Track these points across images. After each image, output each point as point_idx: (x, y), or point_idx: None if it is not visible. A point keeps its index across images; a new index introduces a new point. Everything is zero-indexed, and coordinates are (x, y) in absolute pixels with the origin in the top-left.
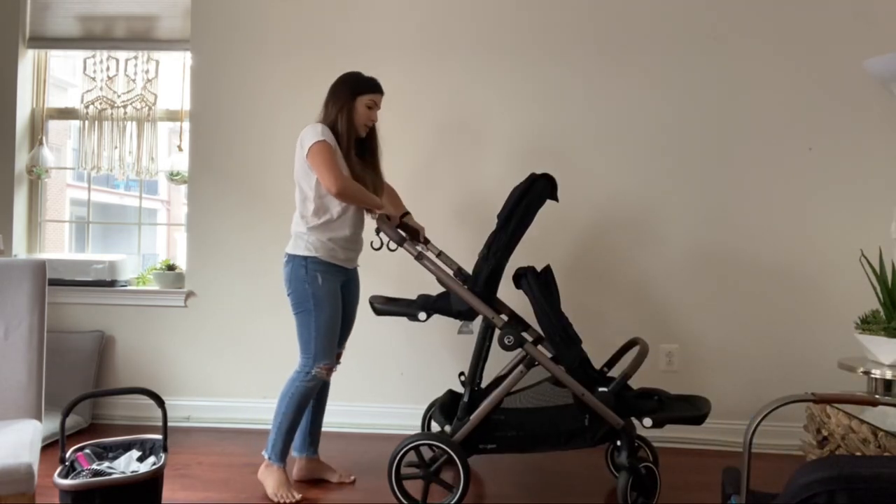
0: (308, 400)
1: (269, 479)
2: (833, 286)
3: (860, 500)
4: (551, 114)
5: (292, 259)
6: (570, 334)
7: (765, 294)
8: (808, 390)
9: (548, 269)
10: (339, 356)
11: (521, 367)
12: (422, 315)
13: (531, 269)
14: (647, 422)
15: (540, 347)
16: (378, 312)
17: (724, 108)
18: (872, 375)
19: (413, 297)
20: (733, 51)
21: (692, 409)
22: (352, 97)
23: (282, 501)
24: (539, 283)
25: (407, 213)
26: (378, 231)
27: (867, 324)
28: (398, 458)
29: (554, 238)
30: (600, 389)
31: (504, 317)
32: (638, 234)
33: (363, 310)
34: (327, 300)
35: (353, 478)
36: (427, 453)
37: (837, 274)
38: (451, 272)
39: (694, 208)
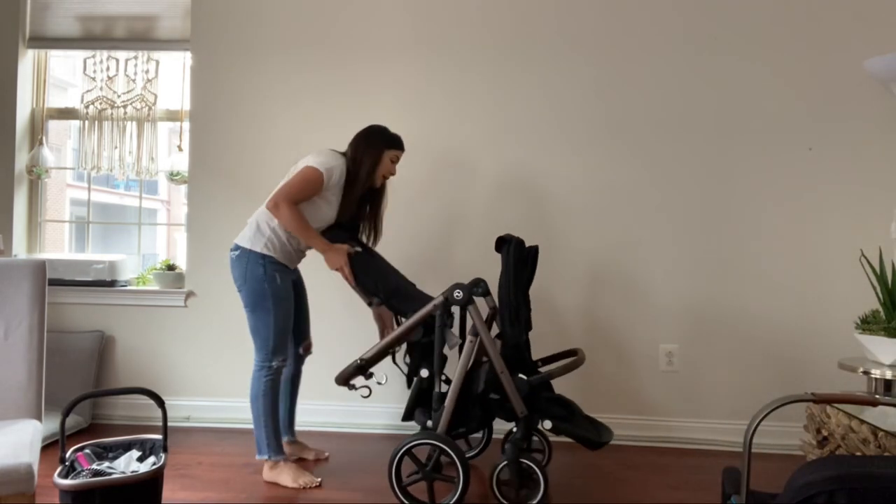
0: (277, 391)
1: (281, 474)
2: (833, 286)
3: (860, 500)
4: (555, 109)
5: (247, 254)
6: (519, 316)
7: (765, 294)
8: (808, 390)
9: (534, 250)
10: (309, 347)
11: (469, 336)
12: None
13: (519, 240)
14: (547, 424)
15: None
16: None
17: (724, 108)
18: (872, 375)
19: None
20: (733, 51)
21: (593, 433)
22: (383, 150)
23: (308, 486)
24: (517, 255)
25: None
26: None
27: (867, 324)
28: (395, 465)
29: (555, 239)
30: (520, 375)
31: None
32: (637, 234)
33: (362, 311)
34: (286, 299)
35: (326, 454)
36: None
37: (837, 274)
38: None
39: (693, 208)
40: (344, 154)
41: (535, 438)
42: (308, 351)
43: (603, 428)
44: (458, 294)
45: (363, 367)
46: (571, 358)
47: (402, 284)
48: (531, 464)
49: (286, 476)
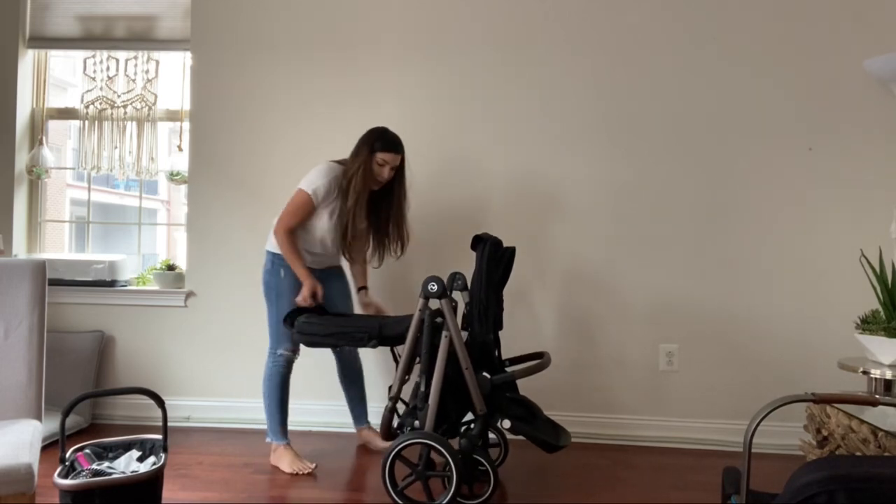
0: (283, 379)
1: (281, 459)
2: (833, 286)
3: (860, 500)
4: (554, 111)
5: (266, 254)
6: (488, 314)
7: (765, 294)
8: (808, 390)
9: (510, 251)
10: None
11: (444, 332)
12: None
13: (496, 239)
14: (507, 423)
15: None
16: None
17: (724, 108)
18: (872, 375)
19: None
20: (733, 51)
21: (550, 436)
22: (370, 153)
23: (299, 472)
24: (491, 255)
25: (364, 288)
26: None
27: (867, 324)
28: (387, 469)
29: (555, 238)
30: (484, 373)
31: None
32: (637, 234)
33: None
34: (289, 292)
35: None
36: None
37: (837, 274)
38: None
39: (693, 207)
40: (342, 163)
41: (492, 436)
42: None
43: (562, 431)
44: (432, 287)
45: (395, 407)
46: (537, 360)
47: (385, 318)
48: (483, 460)
49: (284, 462)
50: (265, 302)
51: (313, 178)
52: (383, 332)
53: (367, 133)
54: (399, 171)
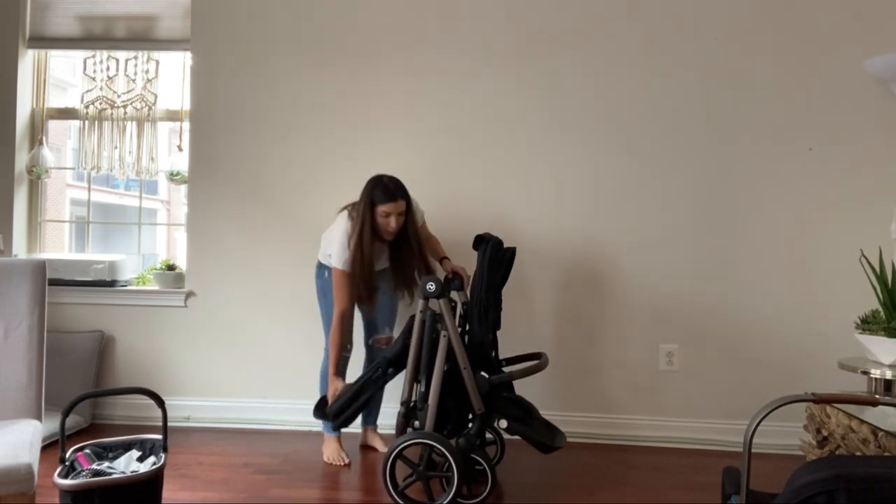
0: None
1: (325, 448)
2: (833, 286)
3: (860, 500)
4: (554, 109)
5: (317, 263)
6: (488, 314)
7: (765, 294)
8: (808, 390)
9: (511, 251)
10: (379, 341)
11: (442, 332)
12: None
13: (498, 240)
14: (503, 423)
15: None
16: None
17: (725, 108)
18: (872, 375)
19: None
20: (733, 51)
21: (546, 437)
22: (371, 207)
23: (334, 463)
24: (493, 255)
25: (444, 258)
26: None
27: (867, 324)
28: (388, 469)
29: (555, 238)
30: (482, 373)
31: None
32: (638, 234)
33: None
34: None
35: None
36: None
37: (837, 274)
38: None
39: (693, 208)
40: (354, 210)
41: (488, 435)
42: (378, 344)
43: (557, 432)
44: (430, 287)
45: (408, 412)
46: (535, 361)
47: (385, 348)
48: (482, 460)
49: (326, 451)
50: (318, 306)
51: (338, 253)
52: (388, 357)
53: (366, 185)
54: (408, 214)
